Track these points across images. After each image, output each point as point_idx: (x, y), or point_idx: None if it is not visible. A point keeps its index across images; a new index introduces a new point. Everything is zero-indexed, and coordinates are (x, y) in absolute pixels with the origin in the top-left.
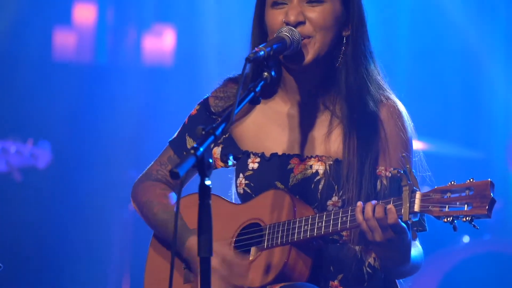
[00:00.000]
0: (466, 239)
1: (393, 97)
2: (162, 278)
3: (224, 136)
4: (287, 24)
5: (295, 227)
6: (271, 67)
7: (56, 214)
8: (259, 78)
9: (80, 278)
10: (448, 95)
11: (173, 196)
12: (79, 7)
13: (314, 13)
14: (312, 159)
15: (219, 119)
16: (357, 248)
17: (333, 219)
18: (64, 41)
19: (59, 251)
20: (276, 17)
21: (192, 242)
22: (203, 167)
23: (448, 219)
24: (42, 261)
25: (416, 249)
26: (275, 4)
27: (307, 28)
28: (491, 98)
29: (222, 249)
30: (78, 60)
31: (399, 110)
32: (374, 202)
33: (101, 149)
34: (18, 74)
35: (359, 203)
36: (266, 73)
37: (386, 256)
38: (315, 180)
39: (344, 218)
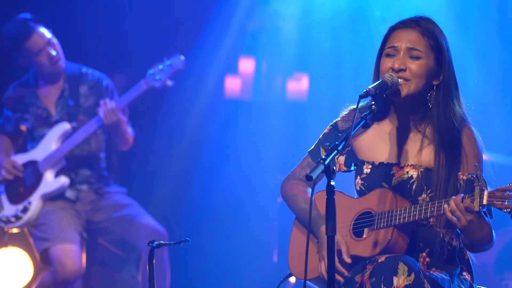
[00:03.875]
0: None
1: (470, 125)
2: (301, 250)
3: (347, 148)
4: (393, 69)
5: (397, 214)
6: (378, 101)
7: (223, 206)
8: (368, 110)
9: (243, 249)
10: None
11: (310, 191)
12: (243, 60)
13: (413, 65)
14: (408, 167)
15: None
16: (440, 230)
17: (424, 209)
18: (232, 84)
19: (227, 235)
20: (386, 64)
21: (324, 227)
22: (329, 172)
23: (507, 210)
24: (209, 246)
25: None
26: (388, 55)
27: (406, 74)
28: None
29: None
30: (242, 98)
31: (474, 135)
32: (455, 197)
33: (257, 159)
34: (199, 108)
35: (446, 206)
36: (374, 106)
37: (472, 237)
38: (410, 182)
39: (432, 209)
